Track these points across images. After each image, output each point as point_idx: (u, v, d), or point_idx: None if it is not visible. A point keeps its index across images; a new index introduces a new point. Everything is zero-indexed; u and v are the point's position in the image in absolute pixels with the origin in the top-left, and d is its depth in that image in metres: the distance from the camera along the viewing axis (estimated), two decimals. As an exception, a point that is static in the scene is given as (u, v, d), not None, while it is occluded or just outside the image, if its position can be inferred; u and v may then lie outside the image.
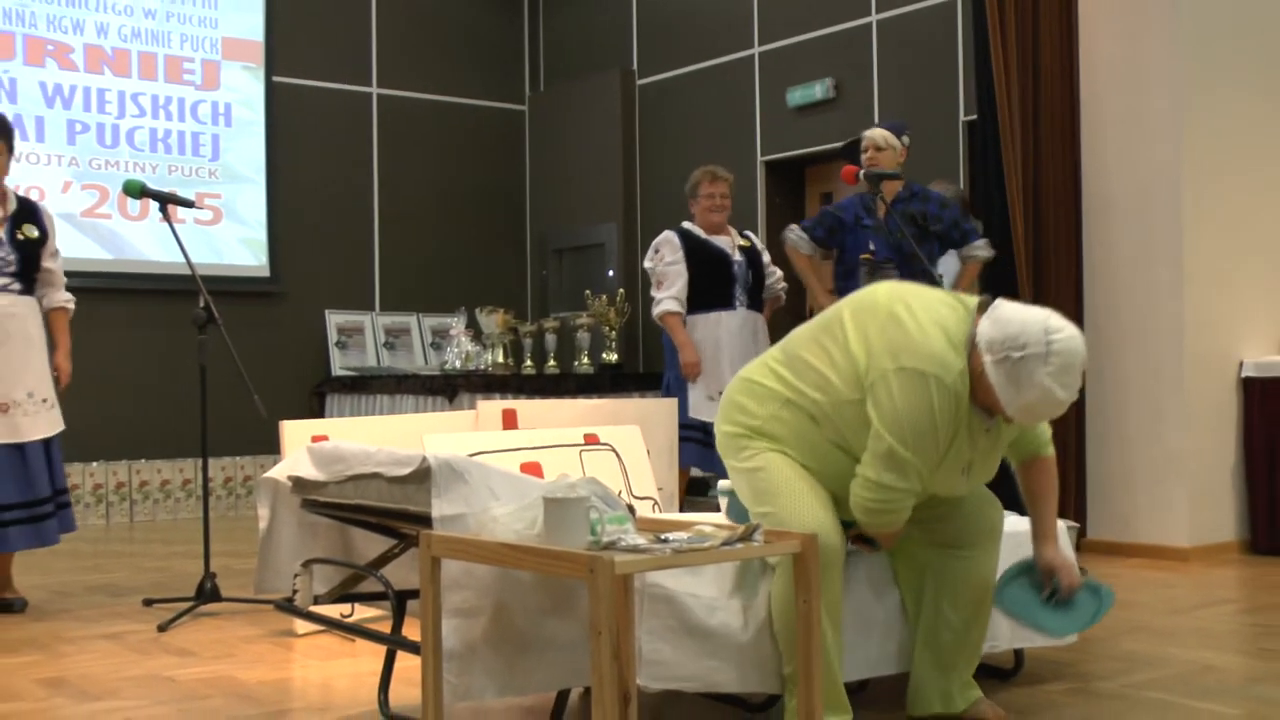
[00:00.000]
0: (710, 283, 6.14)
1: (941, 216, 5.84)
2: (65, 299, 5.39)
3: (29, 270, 5.22)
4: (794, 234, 6.03)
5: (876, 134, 5.93)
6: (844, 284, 5.88)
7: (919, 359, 2.92)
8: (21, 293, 5.19)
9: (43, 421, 5.15)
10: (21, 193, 5.53)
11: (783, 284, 6.39)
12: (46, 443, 5.18)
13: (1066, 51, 6.24)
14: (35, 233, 5.24)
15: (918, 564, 3.23)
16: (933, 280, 5.91)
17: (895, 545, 3.19)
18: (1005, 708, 3.31)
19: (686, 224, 6.30)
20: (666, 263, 6.14)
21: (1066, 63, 6.24)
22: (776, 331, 6.24)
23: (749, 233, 6.44)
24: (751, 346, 6.05)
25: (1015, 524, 3.51)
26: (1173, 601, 4.94)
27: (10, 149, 5.23)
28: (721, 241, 6.21)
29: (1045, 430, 3.28)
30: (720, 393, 5.90)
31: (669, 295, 6.10)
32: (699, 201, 6.25)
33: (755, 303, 6.26)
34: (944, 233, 5.84)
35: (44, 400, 5.17)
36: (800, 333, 3.20)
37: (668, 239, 6.22)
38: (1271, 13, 6.31)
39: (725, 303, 6.15)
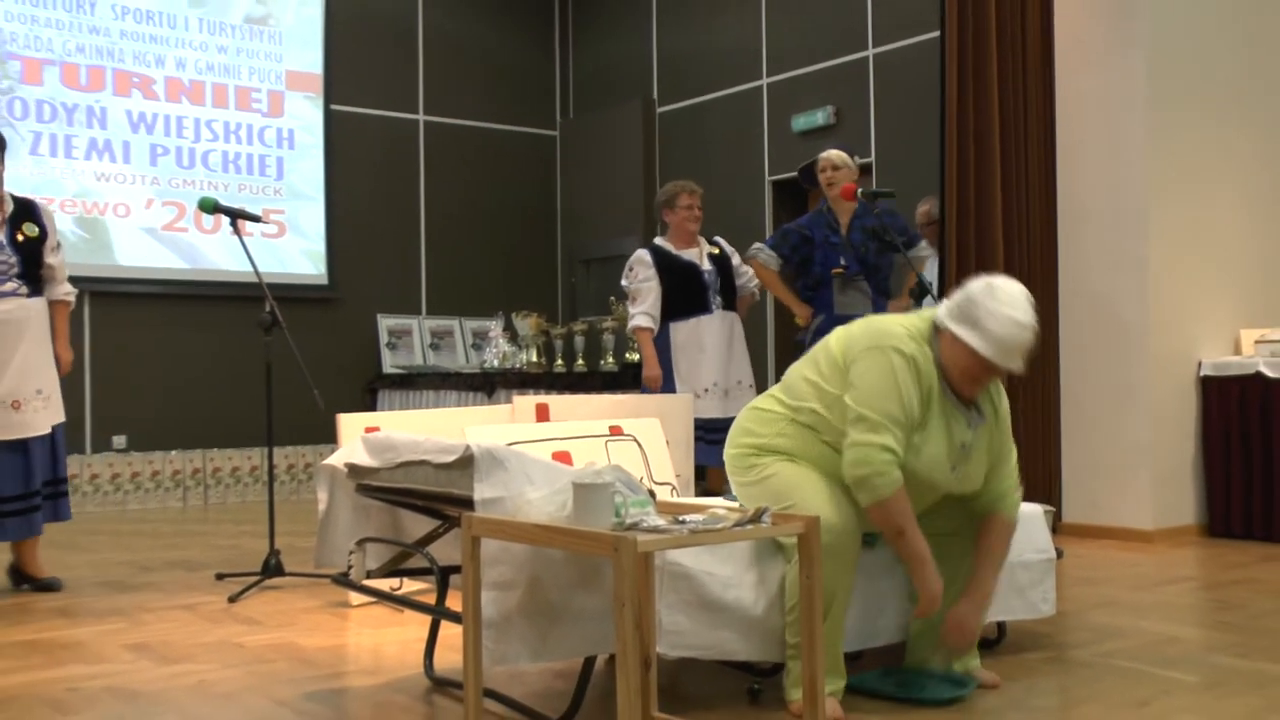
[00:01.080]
0: (685, 293, 5.95)
1: (893, 227, 5.69)
2: (66, 291, 5.11)
3: (32, 270, 4.94)
4: (764, 254, 5.85)
5: (834, 155, 5.81)
6: (811, 294, 5.81)
7: (880, 338, 3.01)
8: (29, 295, 4.93)
9: (47, 416, 4.97)
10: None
11: (755, 282, 6.16)
12: (50, 435, 5.01)
13: (1045, 81, 6.21)
14: (35, 230, 4.96)
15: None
16: (886, 289, 5.86)
17: (932, 610, 3.03)
18: (988, 674, 3.30)
19: (658, 240, 6.12)
20: (640, 280, 5.96)
21: (1045, 91, 6.20)
22: (749, 326, 6.21)
23: (718, 239, 6.24)
24: (730, 343, 5.96)
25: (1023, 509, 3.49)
26: (1139, 579, 4.91)
27: (2, 160, 4.92)
28: (690, 254, 6.02)
29: (1011, 490, 3.16)
30: (706, 390, 5.92)
31: (641, 311, 5.92)
32: (677, 212, 6.01)
33: (730, 303, 6.06)
34: (901, 242, 5.70)
35: (49, 396, 4.99)
36: (797, 363, 3.23)
37: (640, 257, 6.02)
38: (1224, 45, 6.27)
39: (703, 308, 5.95)
